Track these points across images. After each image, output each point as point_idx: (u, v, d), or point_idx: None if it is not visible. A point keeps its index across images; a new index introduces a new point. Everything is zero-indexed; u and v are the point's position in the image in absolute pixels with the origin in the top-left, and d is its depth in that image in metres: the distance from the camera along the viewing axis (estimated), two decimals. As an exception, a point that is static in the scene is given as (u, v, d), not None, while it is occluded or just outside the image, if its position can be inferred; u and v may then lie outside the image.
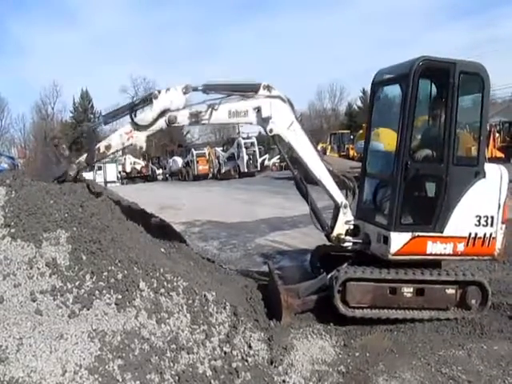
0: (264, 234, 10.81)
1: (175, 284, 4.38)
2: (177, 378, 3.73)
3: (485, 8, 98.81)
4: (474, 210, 5.16)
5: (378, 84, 5.90)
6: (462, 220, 5.13)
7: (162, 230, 6.26)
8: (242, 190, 22.15)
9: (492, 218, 5.18)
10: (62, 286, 3.93)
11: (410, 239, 5.08)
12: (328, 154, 27.81)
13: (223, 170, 33.00)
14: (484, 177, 5.13)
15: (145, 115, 5.06)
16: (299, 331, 5.00)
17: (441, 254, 5.17)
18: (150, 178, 40.67)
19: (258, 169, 31.72)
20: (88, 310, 3.85)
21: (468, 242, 5.17)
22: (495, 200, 5.19)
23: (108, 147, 5.10)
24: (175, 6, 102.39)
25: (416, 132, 5.35)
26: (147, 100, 5.10)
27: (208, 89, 5.11)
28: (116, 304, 3.95)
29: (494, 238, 5.20)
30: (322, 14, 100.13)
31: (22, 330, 3.54)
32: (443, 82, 5.14)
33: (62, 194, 4.63)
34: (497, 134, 26.53)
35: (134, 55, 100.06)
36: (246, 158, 30.58)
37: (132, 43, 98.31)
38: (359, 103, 60.81)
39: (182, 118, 5.08)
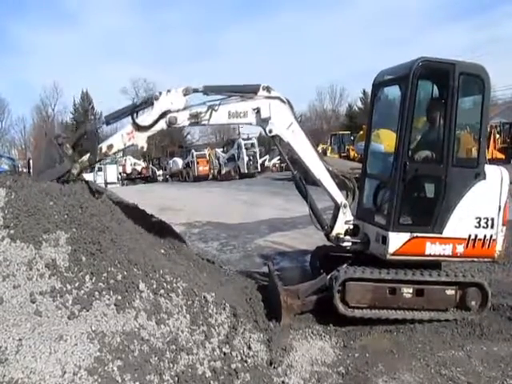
0: (264, 234, 10.82)
1: (175, 285, 4.38)
2: (176, 378, 3.72)
3: (485, 8, 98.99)
4: (473, 212, 5.16)
5: (379, 85, 5.90)
6: (462, 221, 5.13)
7: (161, 231, 6.27)
8: (242, 190, 22.17)
9: (492, 219, 5.18)
10: (61, 287, 3.92)
11: (409, 239, 5.08)
12: (328, 154, 27.84)
13: (223, 171, 33.04)
14: (484, 178, 5.13)
15: (146, 116, 5.12)
16: (299, 332, 5.01)
17: (440, 255, 5.17)
18: (150, 179, 40.71)
19: (259, 170, 31.75)
20: (87, 311, 3.85)
21: (468, 244, 5.17)
22: (495, 202, 5.19)
23: (110, 147, 5.16)
24: (175, 7, 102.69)
25: (416, 133, 5.36)
26: (148, 101, 5.17)
27: (208, 90, 5.14)
28: (115, 305, 3.95)
29: (494, 239, 5.20)
30: (323, 15, 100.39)
31: (22, 331, 3.54)
32: (443, 83, 5.15)
33: (61, 195, 4.63)
34: (497, 135, 26.53)
35: (135, 56, 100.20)
36: (246, 158, 30.62)
37: (132, 44, 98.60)
38: (359, 104, 60.86)
39: (182, 119, 5.12)
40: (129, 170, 40.85)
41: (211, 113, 5.11)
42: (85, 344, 3.59)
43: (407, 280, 5.11)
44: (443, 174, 5.05)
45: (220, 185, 27.98)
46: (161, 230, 6.36)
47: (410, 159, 5.11)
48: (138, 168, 41.83)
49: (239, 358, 4.15)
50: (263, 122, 5.25)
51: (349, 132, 35.71)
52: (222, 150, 35.71)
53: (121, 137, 5.15)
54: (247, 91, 5.24)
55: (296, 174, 5.55)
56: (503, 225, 5.24)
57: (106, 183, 32.93)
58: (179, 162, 37.52)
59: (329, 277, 5.29)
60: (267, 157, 35.71)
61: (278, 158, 33.26)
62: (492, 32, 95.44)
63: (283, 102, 5.30)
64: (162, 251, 5.50)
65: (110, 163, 36.96)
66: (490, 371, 4.24)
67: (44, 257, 4.08)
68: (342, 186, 5.63)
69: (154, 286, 4.25)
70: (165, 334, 3.98)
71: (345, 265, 5.46)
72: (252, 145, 31.85)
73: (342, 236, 5.58)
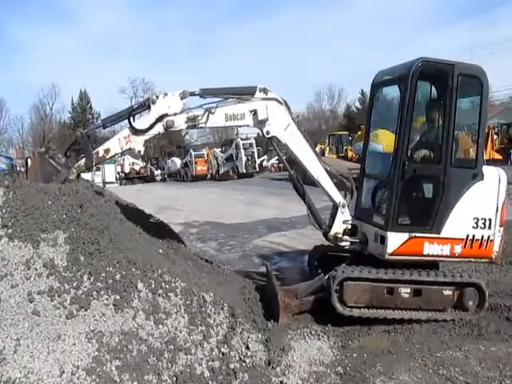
0: (262, 234, 10.83)
1: (173, 285, 4.38)
2: (174, 378, 3.73)
3: (483, 9, 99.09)
4: (471, 212, 5.16)
5: (378, 85, 5.91)
6: (460, 222, 5.14)
7: (160, 231, 6.27)
8: (240, 190, 22.16)
9: (490, 220, 5.19)
10: (59, 287, 3.92)
11: (407, 240, 5.09)
12: (326, 155, 27.89)
13: (222, 171, 33.07)
14: (482, 179, 5.14)
15: (143, 120, 5.13)
16: (297, 332, 5.01)
17: (438, 256, 5.18)
18: (148, 178, 40.66)
19: (257, 170, 31.78)
20: (86, 310, 3.85)
21: (465, 244, 5.17)
22: (493, 202, 5.20)
23: (107, 151, 5.17)
24: (174, 6, 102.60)
25: (414, 133, 5.36)
26: (145, 105, 5.17)
27: (205, 93, 5.15)
28: (114, 305, 3.95)
29: (491, 240, 5.20)
30: (321, 15, 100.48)
31: (20, 331, 3.54)
32: (442, 83, 5.15)
33: (60, 194, 4.63)
34: (495, 136, 26.61)
35: (133, 56, 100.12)
36: (244, 159, 30.65)
37: (131, 44, 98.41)
38: (358, 104, 60.94)
39: (180, 123, 5.13)
40: (127, 169, 40.75)
41: (208, 116, 5.12)
42: (83, 344, 3.60)
43: (405, 280, 5.11)
44: (441, 174, 5.06)
45: (218, 185, 27.97)
46: (159, 229, 6.36)
47: (409, 159, 5.11)
48: (137, 168, 41.74)
49: (237, 357, 4.15)
50: (260, 124, 5.26)
51: (347, 132, 35.80)
52: (220, 149, 35.72)
53: (118, 141, 5.16)
54: (244, 93, 5.25)
55: (293, 174, 5.56)
56: (501, 225, 5.24)
57: (105, 183, 32.87)
58: (177, 162, 37.51)
59: (327, 277, 5.29)
60: (265, 157, 35.72)
61: (276, 158, 33.26)
62: (489, 33, 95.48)
63: (280, 103, 5.30)
64: (161, 251, 5.50)
65: (108, 163, 36.82)
66: (487, 371, 4.24)
67: (42, 256, 4.07)
68: (340, 185, 5.64)
69: (153, 286, 4.24)
70: (163, 333, 3.98)
71: (343, 264, 5.46)
72: (250, 145, 31.87)
73: (340, 236, 5.59)
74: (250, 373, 4.03)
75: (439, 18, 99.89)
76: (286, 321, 5.05)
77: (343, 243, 5.63)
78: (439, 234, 5.12)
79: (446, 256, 5.20)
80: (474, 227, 5.16)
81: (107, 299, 3.97)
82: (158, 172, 41.50)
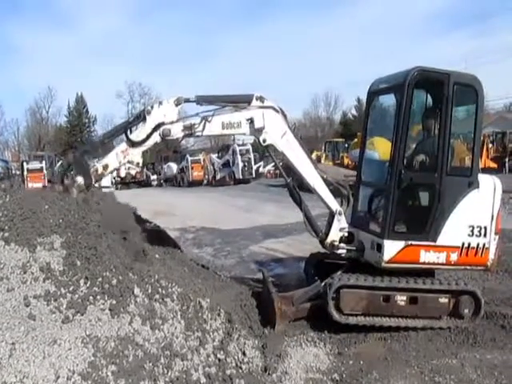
0: (258, 241, 10.81)
1: (170, 290, 4.38)
2: (170, 384, 3.71)
3: (478, 18, 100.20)
4: (467, 220, 5.19)
5: (374, 93, 5.95)
6: (456, 230, 5.16)
7: (156, 236, 6.26)
8: (236, 196, 22.14)
9: (485, 228, 5.22)
10: (55, 291, 3.91)
11: (404, 247, 5.11)
12: (323, 162, 27.93)
13: (218, 177, 33.04)
14: (477, 187, 5.17)
15: (139, 132, 5.13)
16: (293, 339, 5.01)
17: (434, 263, 5.20)
18: (144, 183, 40.54)
19: (253, 176, 31.73)
20: (82, 315, 3.83)
21: (461, 252, 5.20)
22: (488, 210, 5.23)
23: (105, 167, 5.17)
24: (171, 10, 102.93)
25: (410, 141, 5.40)
26: (140, 116, 5.18)
27: (201, 100, 5.18)
28: (110, 310, 3.94)
29: (487, 248, 5.23)
30: (319, 23, 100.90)
31: (15, 335, 3.52)
32: (437, 92, 5.21)
33: (57, 199, 4.62)
34: (490, 145, 26.78)
35: (130, 60, 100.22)
36: (241, 164, 30.62)
37: (128, 48, 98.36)
38: (354, 112, 61.18)
39: (176, 131, 5.14)
40: (123, 173, 40.60)
41: (205, 124, 5.14)
42: (79, 348, 3.58)
43: (401, 288, 5.13)
44: (437, 182, 5.09)
45: (214, 190, 27.96)
46: (156, 234, 6.35)
47: (405, 167, 5.15)
48: (133, 172, 41.54)
49: (234, 364, 4.14)
50: (257, 132, 5.29)
51: (343, 139, 35.89)
52: (216, 155, 35.70)
53: (115, 155, 5.17)
54: (240, 101, 5.28)
55: (290, 181, 5.58)
56: (496, 233, 5.27)
57: (100, 187, 32.69)
58: (174, 167, 37.44)
59: (323, 284, 5.30)
60: (262, 163, 35.71)
61: (273, 164, 33.23)
62: (484, 43, 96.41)
63: (276, 111, 5.34)
64: (157, 256, 5.49)
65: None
66: (483, 379, 4.26)
67: (38, 260, 4.06)
68: (336, 193, 5.67)
69: (149, 291, 4.24)
70: (159, 339, 3.97)
71: (339, 272, 5.48)
72: (247, 151, 31.85)
73: (336, 243, 5.60)
74: (247, 379, 4.03)
75: (435, 28, 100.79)
76: (283, 327, 5.05)
77: (340, 251, 5.64)
78: (435, 241, 5.14)
79: (442, 264, 5.22)
80: (469, 235, 5.19)
81: (103, 304, 3.96)
82: (154, 177, 41.36)
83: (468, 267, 5.42)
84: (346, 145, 31.60)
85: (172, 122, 5.10)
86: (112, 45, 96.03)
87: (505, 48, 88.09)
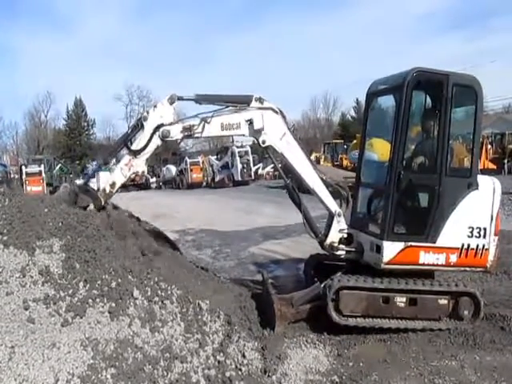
0: (258, 242, 10.81)
1: (169, 292, 4.37)
2: (170, 387, 3.71)
3: (476, 19, 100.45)
4: (466, 222, 5.19)
5: (373, 94, 5.96)
6: (455, 231, 5.16)
7: (156, 238, 6.25)
8: (235, 198, 22.15)
9: (485, 229, 5.22)
10: (54, 295, 3.90)
11: (403, 249, 5.11)
12: (321, 163, 27.93)
13: (217, 179, 33.02)
14: (477, 188, 5.18)
15: (139, 140, 5.15)
16: (293, 340, 5.00)
17: (433, 265, 5.20)
18: (143, 186, 40.48)
19: (252, 177, 31.75)
20: (81, 318, 3.83)
21: (461, 253, 5.20)
22: (488, 212, 5.23)
23: (113, 185, 5.24)
24: (169, 14, 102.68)
25: (409, 142, 5.40)
26: (138, 126, 5.20)
27: (200, 99, 5.18)
28: (109, 312, 3.94)
29: (486, 249, 5.23)
30: (317, 25, 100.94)
31: (15, 339, 3.51)
32: (436, 93, 5.20)
33: (57, 203, 4.62)
34: (489, 146, 26.79)
35: (129, 63, 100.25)
36: (239, 166, 30.62)
37: (126, 51, 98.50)
38: (353, 113, 61.24)
39: (176, 132, 5.16)
40: (122, 176, 40.54)
41: (204, 125, 5.15)
42: (78, 351, 3.58)
43: (400, 289, 5.13)
44: (437, 183, 5.09)
45: (214, 192, 27.94)
46: (155, 236, 6.34)
47: (404, 168, 5.15)
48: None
49: (233, 366, 4.14)
50: (256, 133, 5.29)
51: (342, 141, 35.95)
52: (215, 157, 35.71)
53: (120, 170, 5.21)
54: (240, 102, 5.28)
55: (289, 182, 5.58)
56: (495, 235, 5.27)
57: (99, 190, 32.66)
58: (173, 170, 37.40)
59: (323, 285, 5.30)
60: (261, 165, 35.73)
61: (272, 166, 33.24)
62: (483, 44, 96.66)
63: (276, 112, 5.34)
64: (157, 258, 5.46)
65: (103, 170, 36.66)
66: (483, 381, 4.26)
67: (37, 263, 4.06)
68: (335, 194, 5.67)
69: (149, 294, 4.24)
70: (159, 341, 3.97)
71: (339, 273, 5.47)
72: (246, 152, 31.86)
73: (336, 245, 5.60)
74: (246, 381, 4.03)
75: (433, 29, 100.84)
76: (282, 329, 5.04)
77: (339, 252, 5.64)
78: (434, 243, 5.14)
79: (442, 265, 5.22)
80: (469, 236, 5.19)
81: (103, 307, 3.96)
82: (153, 179, 41.29)
83: (467, 268, 5.43)
84: (345, 146, 31.59)
85: (171, 123, 5.12)
86: (110, 48, 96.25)
87: (504, 49, 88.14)
